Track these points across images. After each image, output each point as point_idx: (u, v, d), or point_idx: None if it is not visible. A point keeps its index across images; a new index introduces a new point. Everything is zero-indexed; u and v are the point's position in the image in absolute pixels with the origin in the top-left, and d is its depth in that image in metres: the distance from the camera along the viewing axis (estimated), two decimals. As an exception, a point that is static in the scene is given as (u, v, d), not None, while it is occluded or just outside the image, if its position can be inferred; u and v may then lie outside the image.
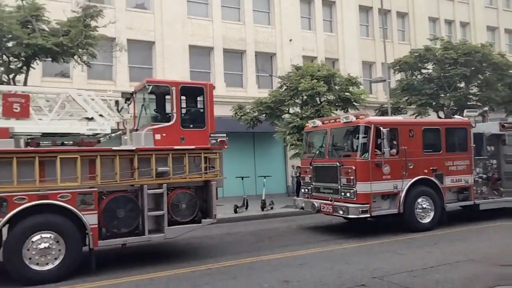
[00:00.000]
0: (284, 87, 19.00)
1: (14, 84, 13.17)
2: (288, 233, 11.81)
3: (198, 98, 9.45)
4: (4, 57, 13.04)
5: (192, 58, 21.96)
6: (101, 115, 8.57)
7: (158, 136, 8.49)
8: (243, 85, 23.39)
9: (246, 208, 16.44)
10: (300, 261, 8.25)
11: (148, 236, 8.10)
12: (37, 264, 7.13)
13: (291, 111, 19.11)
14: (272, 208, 16.80)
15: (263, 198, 16.60)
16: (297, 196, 18.69)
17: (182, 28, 21.76)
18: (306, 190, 12.12)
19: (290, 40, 24.29)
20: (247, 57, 23.40)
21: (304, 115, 17.84)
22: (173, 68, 21.01)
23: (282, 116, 19.25)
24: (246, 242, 10.68)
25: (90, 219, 7.49)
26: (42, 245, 7.15)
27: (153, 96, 9.40)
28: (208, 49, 22.59)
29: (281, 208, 16.98)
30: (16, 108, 7.66)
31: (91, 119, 8.41)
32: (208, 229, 10.63)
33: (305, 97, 18.20)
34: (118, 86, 18.51)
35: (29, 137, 8.30)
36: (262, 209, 16.27)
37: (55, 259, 7.25)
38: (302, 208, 12.15)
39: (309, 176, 11.93)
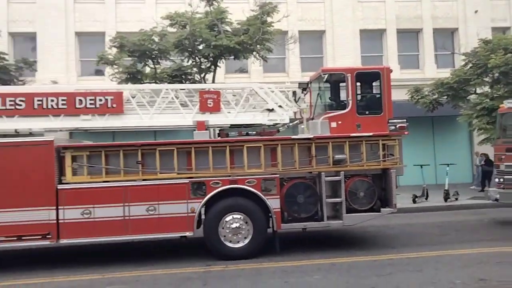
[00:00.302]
0: (470, 65, 16.95)
1: (204, 82, 14.90)
2: (479, 227, 10.64)
3: (374, 83, 9.20)
4: (197, 58, 14.85)
5: (363, 43, 21.39)
6: (280, 106, 9.08)
7: (334, 124, 8.60)
8: (419, 66, 21.79)
9: (426, 198, 15.39)
10: (498, 259, 7.34)
11: (327, 222, 8.28)
12: (230, 241, 7.98)
13: (478, 91, 16.99)
14: (456, 199, 15.31)
15: (446, 188, 15.24)
16: (482, 187, 16.74)
17: (352, 13, 21.36)
18: (501, 180, 10.66)
19: (476, 12, 21.56)
20: (424, 35, 21.64)
21: (495, 95, 15.65)
22: (343, 54, 20.81)
23: (468, 97, 17.27)
24: (430, 234, 9.98)
25: (273, 203, 8.03)
26: (234, 225, 7.97)
27: (328, 85, 9.48)
28: (380, 32, 21.67)
29: (467, 199, 15.40)
30: (210, 103, 8.71)
31: (272, 110, 8.98)
32: (386, 219, 10.29)
33: (496, 75, 15.95)
34: (291, 77, 19.25)
35: (219, 128, 9.34)
36: (445, 200, 14.98)
37: (245, 238, 8.00)
38: (496, 200, 10.79)
39: (505, 164, 10.47)
